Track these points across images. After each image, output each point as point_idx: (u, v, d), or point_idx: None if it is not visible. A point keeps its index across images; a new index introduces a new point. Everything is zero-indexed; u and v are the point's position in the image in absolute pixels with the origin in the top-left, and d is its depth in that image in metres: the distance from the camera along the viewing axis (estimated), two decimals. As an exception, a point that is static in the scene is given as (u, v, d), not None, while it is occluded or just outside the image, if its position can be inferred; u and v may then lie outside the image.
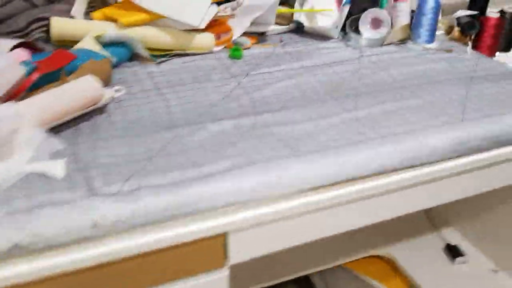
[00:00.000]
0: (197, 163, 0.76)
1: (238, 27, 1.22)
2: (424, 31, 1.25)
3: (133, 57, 1.12)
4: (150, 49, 1.12)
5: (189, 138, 0.82)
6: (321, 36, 1.32)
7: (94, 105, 0.88)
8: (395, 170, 0.83)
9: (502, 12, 1.30)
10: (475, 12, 1.33)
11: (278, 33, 1.33)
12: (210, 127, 0.86)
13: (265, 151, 0.80)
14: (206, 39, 1.16)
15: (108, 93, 0.93)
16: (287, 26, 1.34)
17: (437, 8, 1.22)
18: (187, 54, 1.15)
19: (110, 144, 0.80)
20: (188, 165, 0.75)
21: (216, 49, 1.19)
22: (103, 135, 0.83)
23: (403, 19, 1.28)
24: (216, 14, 1.17)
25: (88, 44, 1.03)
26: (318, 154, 0.80)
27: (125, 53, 1.09)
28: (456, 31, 1.29)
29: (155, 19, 1.11)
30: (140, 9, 1.09)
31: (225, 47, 1.22)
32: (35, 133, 0.77)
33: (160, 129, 0.85)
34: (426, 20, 1.24)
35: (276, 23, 1.33)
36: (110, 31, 1.04)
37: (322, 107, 0.95)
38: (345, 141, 0.84)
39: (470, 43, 1.24)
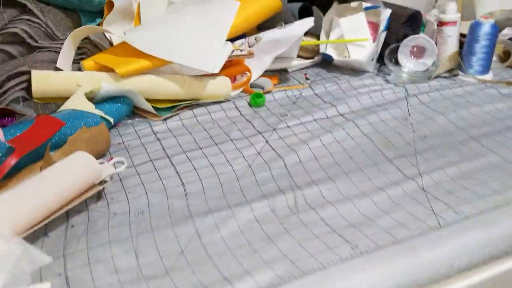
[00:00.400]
0: (227, 278, 0.56)
1: (257, 66, 1.02)
2: (477, 60, 1.05)
3: (135, 111, 0.93)
4: (154, 101, 0.92)
5: (212, 236, 0.62)
6: (353, 70, 1.12)
7: (90, 189, 0.68)
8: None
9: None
10: (526, 31, 1.14)
11: (301, 69, 1.14)
12: (239, 214, 0.66)
13: (316, 251, 0.60)
14: (222, 85, 0.96)
15: (107, 170, 0.73)
16: (312, 60, 1.14)
17: (494, 34, 1.02)
18: (199, 104, 0.96)
19: (112, 251, 0.60)
20: (215, 284, 0.55)
21: (232, 93, 1.00)
22: (102, 237, 0.63)
23: (451, 46, 1.08)
24: (232, 53, 0.97)
25: (78, 102, 0.83)
26: (385, 253, 0.60)
27: (125, 110, 0.89)
28: (514, 56, 1.09)
29: (158, 66, 0.91)
30: (140, 54, 0.89)
31: (242, 91, 1.02)
32: (8, 247, 0.57)
33: (174, 221, 0.65)
34: (480, 47, 1.04)
35: (299, 56, 1.14)
36: (105, 84, 0.85)
37: (375, 173, 0.75)
38: (416, 228, 0.64)
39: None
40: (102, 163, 0.77)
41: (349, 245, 0.61)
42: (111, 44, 0.97)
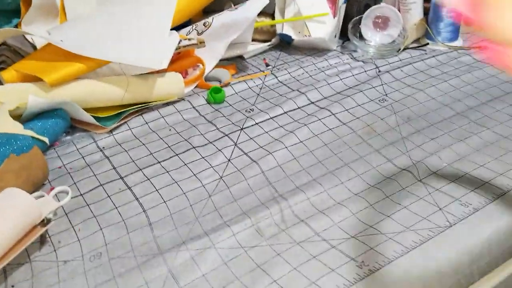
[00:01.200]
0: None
1: (210, 56, 0.90)
2: (445, 26, 0.97)
3: (73, 124, 0.78)
4: (95, 109, 0.78)
5: (190, 275, 0.51)
6: (315, 49, 1.02)
7: (29, 234, 0.55)
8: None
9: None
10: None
11: (259, 53, 1.02)
12: (218, 242, 0.55)
13: (317, 276, 0.50)
14: (173, 83, 0.83)
15: (48, 205, 0.59)
16: (270, 42, 1.03)
17: (462, -5, 0.94)
18: (149, 108, 0.82)
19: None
20: None
21: (185, 90, 0.87)
22: (50, 297, 0.50)
23: (416, 13, 1.00)
24: (179, 44, 0.84)
25: (1, 124, 0.68)
26: (398, 268, 0.51)
27: (61, 125, 0.74)
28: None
29: (94, 68, 0.77)
30: (70, 56, 0.75)
31: (196, 86, 0.89)
32: None
33: (141, 262, 0.53)
34: (447, 12, 0.96)
35: (254, 40, 1.02)
36: (32, 97, 0.70)
37: (364, 168, 0.66)
38: (425, 231, 0.55)
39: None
40: (40, 196, 0.63)
41: (354, 263, 0.51)
42: (34, 48, 0.81)
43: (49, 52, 0.77)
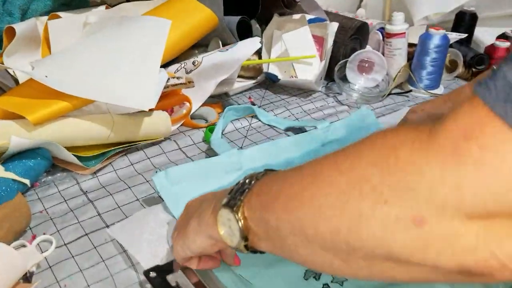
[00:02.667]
0: None
1: (197, 95, 0.88)
2: (427, 74, 1.00)
3: (55, 162, 0.75)
4: (78, 148, 0.75)
5: None
6: (300, 88, 1.02)
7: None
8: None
9: (505, 36, 1.09)
10: (463, 35, 1.11)
11: (244, 91, 1.01)
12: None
13: None
14: (159, 122, 0.81)
15: (31, 258, 0.56)
16: (255, 80, 1.02)
17: (445, 46, 0.97)
18: (134, 148, 0.80)
19: None
20: None
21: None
22: None
23: (400, 59, 1.02)
24: (167, 82, 0.83)
25: (-20, 165, 0.65)
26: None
27: (43, 165, 0.71)
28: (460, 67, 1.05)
29: (79, 106, 0.74)
30: (55, 93, 0.72)
31: (182, 124, 0.88)
32: None
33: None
34: (430, 61, 0.98)
35: (240, 76, 1.01)
36: (15, 138, 0.66)
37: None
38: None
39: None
40: (22, 246, 0.60)
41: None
42: (16, 81, 0.78)
43: (32, 87, 0.73)
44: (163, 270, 0.54)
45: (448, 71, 1.07)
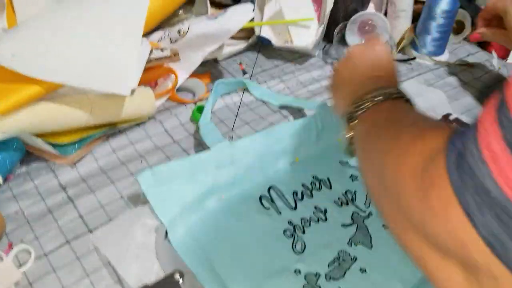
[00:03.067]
0: None
1: (184, 67, 0.80)
2: (432, 41, 0.92)
3: (28, 149, 0.68)
4: (55, 134, 0.69)
5: None
6: (294, 52, 0.94)
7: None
8: None
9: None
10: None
11: (234, 55, 0.93)
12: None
13: None
14: (142, 101, 0.74)
15: (8, 276, 0.52)
16: (247, 43, 0.94)
17: (453, 11, 0.88)
18: (117, 130, 0.73)
19: None
20: None
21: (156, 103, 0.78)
22: None
23: (404, 22, 0.94)
24: (150, 55, 0.74)
25: None
26: None
27: (15, 157, 0.65)
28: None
29: (52, 90, 0.66)
30: (21, 77, 0.64)
31: (167, 99, 0.81)
32: None
33: None
34: (436, 27, 0.90)
35: (231, 38, 0.92)
36: (-20, 133, 0.59)
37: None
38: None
39: (494, 52, 0.94)
40: (-4, 259, 0.55)
41: None
42: (-22, 59, 0.69)
43: (-2, 68, 0.65)
44: (153, 291, 0.51)
45: (454, 33, 0.99)
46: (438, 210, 0.30)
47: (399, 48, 0.93)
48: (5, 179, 0.65)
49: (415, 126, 0.39)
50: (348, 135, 0.50)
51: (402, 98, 0.48)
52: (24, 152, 0.67)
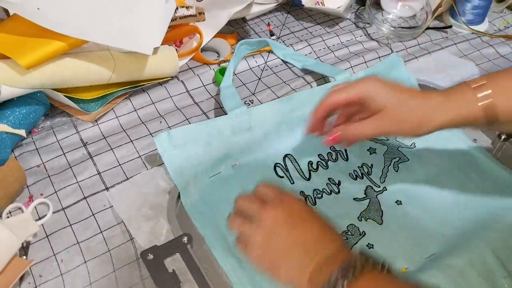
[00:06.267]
0: None
1: (209, 25, 0.79)
2: (471, 8, 0.87)
3: (53, 103, 0.70)
4: (79, 89, 0.70)
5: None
6: (326, 14, 0.91)
7: (10, 265, 0.51)
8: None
9: None
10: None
11: (263, 15, 0.91)
12: None
13: None
14: (165, 59, 0.74)
15: (27, 227, 0.55)
16: (276, 2, 0.91)
17: (499, -24, 0.83)
18: (140, 89, 0.74)
19: None
20: None
21: (179, 63, 0.77)
22: None
23: (443, -14, 0.88)
24: (175, 13, 0.74)
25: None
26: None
27: (39, 110, 0.67)
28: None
29: (76, 46, 0.67)
30: (48, 30, 0.64)
31: (191, 59, 0.80)
32: None
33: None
34: (477, -6, 0.85)
35: (258, -3, 0.90)
36: (5, 88, 0.61)
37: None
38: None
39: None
40: (17, 208, 0.58)
41: None
42: (7, 12, 0.69)
43: (23, 23, 0.65)
44: (161, 252, 0.53)
45: (497, 0, 0.93)
46: None
47: (436, 15, 0.88)
48: (29, 133, 0.67)
49: None
50: None
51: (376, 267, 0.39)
52: (48, 107, 0.69)
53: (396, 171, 0.64)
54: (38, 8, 0.66)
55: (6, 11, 0.69)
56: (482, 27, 0.89)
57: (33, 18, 0.63)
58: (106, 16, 0.67)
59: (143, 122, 0.70)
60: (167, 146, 0.61)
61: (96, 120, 0.69)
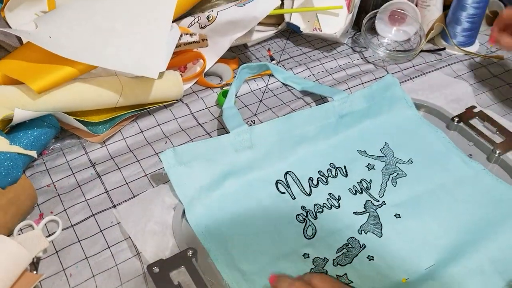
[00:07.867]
0: None
1: (212, 51, 0.83)
2: (462, 31, 0.91)
3: (63, 126, 0.73)
4: (87, 113, 0.73)
5: None
6: (323, 40, 0.95)
7: (20, 279, 0.53)
8: None
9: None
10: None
11: (264, 42, 0.95)
12: None
13: None
14: (171, 84, 0.77)
15: (37, 243, 0.57)
16: (276, 30, 0.95)
17: (484, 2, 0.87)
18: (146, 111, 0.77)
19: None
20: None
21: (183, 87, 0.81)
22: None
23: (435, 11, 0.92)
24: (180, 40, 0.77)
25: (-15, 138, 0.63)
26: None
27: (50, 133, 0.69)
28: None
29: (86, 71, 0.70)
30: (59, 56, 0.68)
31: (195, 83, 0.83)
32: None
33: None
34: (467, 17, 0.88)
35: (260, 24, 0.93)
36: (18, 111, 0.64)
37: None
38: None
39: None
40: (28, 226, 0.60)
41: None
42: (20, 40, 0.73)
43: (35, 50, 0.69)
44: (167, 265, 0.54)
45: (488, 23, 0.97)
46: None
47: (429, 38, 0.91)
48: (40, 154, 0.70)
49: None
50: None
51: None
52: (58, 129, 0.71)
53: (394, 186, 0.66)
54: (50, 37, 0.69)
55: (20, 39, 0.73)
56: (473, 48, 0.93)
57: (45, 46, 0.67)
58: (114, 42, 0.70)
59: (149, 143, 0.73)
60: (173, 163, 0.63)
61: (104, 142, 0.72)
